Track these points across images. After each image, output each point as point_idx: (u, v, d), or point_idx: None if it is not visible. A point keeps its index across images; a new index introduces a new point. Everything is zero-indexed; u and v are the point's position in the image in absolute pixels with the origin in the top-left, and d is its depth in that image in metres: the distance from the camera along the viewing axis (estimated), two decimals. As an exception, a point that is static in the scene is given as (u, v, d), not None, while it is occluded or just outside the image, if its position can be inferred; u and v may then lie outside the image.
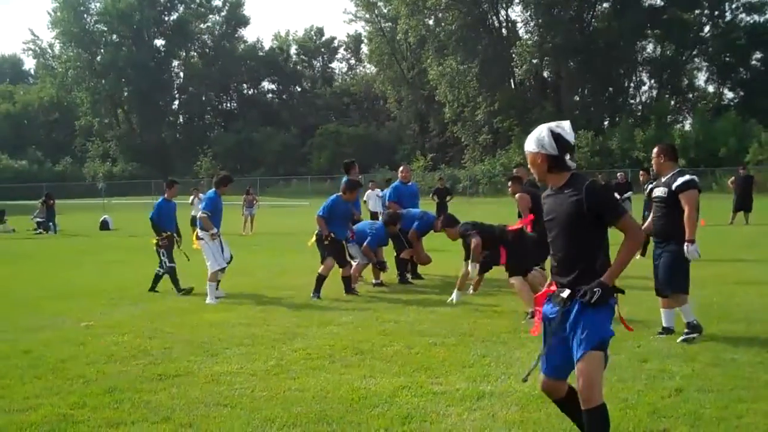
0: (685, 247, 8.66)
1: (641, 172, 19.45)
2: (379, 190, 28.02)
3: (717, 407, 6.33)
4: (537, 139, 4.85)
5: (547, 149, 4.78)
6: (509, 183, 13.24)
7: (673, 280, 8.85)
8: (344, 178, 14.43)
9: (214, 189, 13.87)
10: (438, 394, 6.90)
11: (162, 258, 14.26)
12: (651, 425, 5.99)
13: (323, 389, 7.11)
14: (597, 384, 4.65)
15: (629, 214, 4.68)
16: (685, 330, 8.74)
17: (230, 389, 7.19)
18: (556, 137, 4.78)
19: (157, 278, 14.32)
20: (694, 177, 8.85)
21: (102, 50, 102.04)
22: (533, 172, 4.99)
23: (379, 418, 6.29)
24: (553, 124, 4.88)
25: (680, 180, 8.76)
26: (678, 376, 7.28)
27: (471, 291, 12.07)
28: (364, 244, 14.10)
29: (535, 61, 75.24)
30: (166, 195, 14.85)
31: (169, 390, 7.22)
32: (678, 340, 8.62)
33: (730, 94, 79.91)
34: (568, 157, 4.78)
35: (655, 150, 9.17)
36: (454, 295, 11.68)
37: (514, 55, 74.79)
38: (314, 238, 13.67)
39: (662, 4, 75.74)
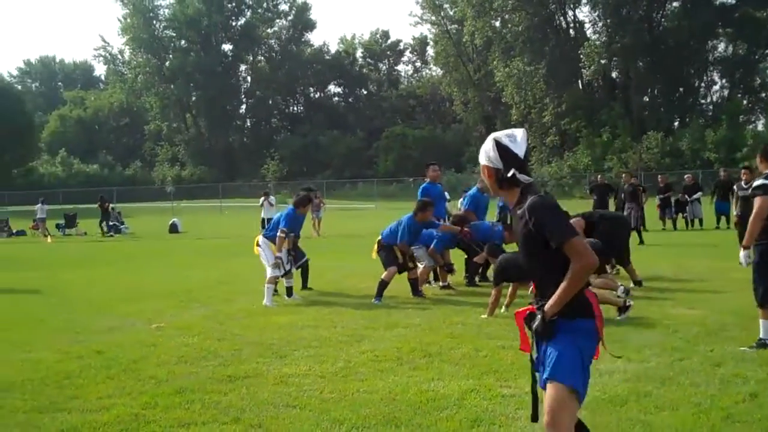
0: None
1: (743, 170, 18.78)
2: (446, 193, 27.91)
3: (793, 413, 6.18)
4: (484, 150, 4.44)
5: (493, 162, 4.37)
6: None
7: (758, 288, 8.41)
8: (417, 198, 14.26)
9: (293, 206, 13.88)
10: (507, 397, 6.84)
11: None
12: (725, 430, 5.87)
13: (391, 391, 7.09)
14: (558, 420, 4.14)
15: (577, 238, 4.12)
16: (753, 344, 8.35)
17: (299, 390, 7.22)
18: (503, 149, 4.34)
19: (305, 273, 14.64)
20: None
21: (170, 56, 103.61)
22: (488, 185, 4.57)
23: (448, 420, 6.26)
24: (502, 134, 4.42)
25: (756, 183, 8.52)
26: (752, 381, 7.11)
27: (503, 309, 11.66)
28: (431, 246, 14.05)
29: (603, 61, 74.46)
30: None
31: (239, 391, 7.27)
32: (740, 348, 8.33)
33: (805, 93, 78.25)
34: (515, 171, 4.31)
35: None
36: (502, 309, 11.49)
37: (581, 56, 74.13)
38: (377, 247, 13.73)
39: (734, 2, 74.38)
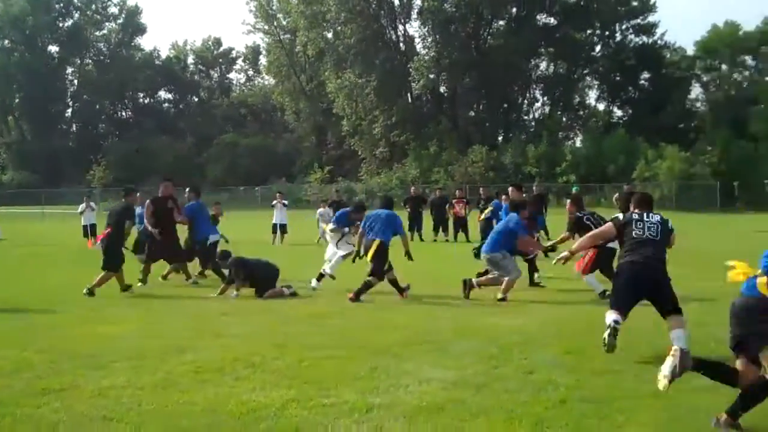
0: None
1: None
2: (285, 202, 28.24)
3: (598, 417, 6.51)
4: None
5: None
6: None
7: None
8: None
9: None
10: (327, 406, 6.91)
11: None
12: (534, 436, 6.13)
13: (212, 403, 7.04)
14: None
15: None
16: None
17: (117, 403, 7.06)
18: None
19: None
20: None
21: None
22: None
23: (268, 431, 6.28)
24: None
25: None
26: (563, 387, 7.44)
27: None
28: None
29: (431, 76, 75.91)
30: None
31: (53, 404, 7.06)
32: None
33: (619, 112, 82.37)
34: None
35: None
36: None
37: (411, 70, 75.43)
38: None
39: (555, 23, 77.61)
